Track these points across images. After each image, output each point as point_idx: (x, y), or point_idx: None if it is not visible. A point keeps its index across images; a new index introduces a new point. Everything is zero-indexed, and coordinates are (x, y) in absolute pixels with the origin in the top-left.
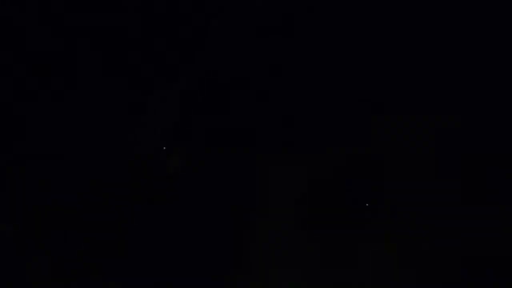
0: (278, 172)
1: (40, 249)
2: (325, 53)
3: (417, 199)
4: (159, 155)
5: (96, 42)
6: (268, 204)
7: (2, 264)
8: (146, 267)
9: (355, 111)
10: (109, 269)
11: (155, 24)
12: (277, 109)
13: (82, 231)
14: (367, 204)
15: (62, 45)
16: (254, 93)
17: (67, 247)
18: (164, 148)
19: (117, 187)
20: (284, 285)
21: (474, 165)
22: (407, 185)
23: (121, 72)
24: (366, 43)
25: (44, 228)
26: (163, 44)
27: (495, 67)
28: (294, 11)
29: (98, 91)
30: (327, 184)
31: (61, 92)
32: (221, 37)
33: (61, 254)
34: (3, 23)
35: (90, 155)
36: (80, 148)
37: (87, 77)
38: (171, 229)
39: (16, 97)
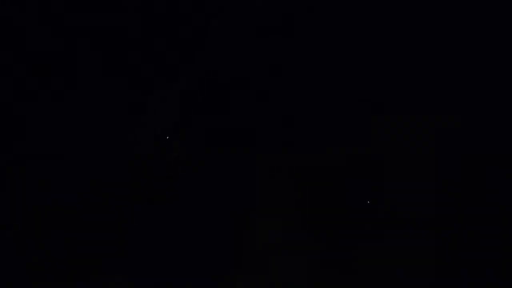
0: (278, 172)
1: (40, 249)
2: (325, 53)
3: (417, 199)
4: (160, 152)
5: (96, 42)
6: (268, 204)
7: (2, 264)
8: (146, 267)
9: (355, 111)
10: (109, 269)
11: (155, 24)
12: (277, 109)
13: (82, 231)
14: (368, 202)
15: (62, 45)
16: (254, 93)
17: (67, 247)
18: (168, 137)
19: (117, 187)
20: (284, 285)
21: (474, 165)
22: (407, 185)
23: (121, 72)
24: (366, 43)
25: (44, 228)
26: (163, 44)
27: (495, 67)
28: (294, 11)
29: (98, 91)
30: (327, 184)
31: (61, 92)
32: (221, 37)
33: (61, 254)
34: (3, 23)
35: (90, 155)
36: (80, 148)
37: (87, 77)
38: (171, 229)
39: (16, 97)
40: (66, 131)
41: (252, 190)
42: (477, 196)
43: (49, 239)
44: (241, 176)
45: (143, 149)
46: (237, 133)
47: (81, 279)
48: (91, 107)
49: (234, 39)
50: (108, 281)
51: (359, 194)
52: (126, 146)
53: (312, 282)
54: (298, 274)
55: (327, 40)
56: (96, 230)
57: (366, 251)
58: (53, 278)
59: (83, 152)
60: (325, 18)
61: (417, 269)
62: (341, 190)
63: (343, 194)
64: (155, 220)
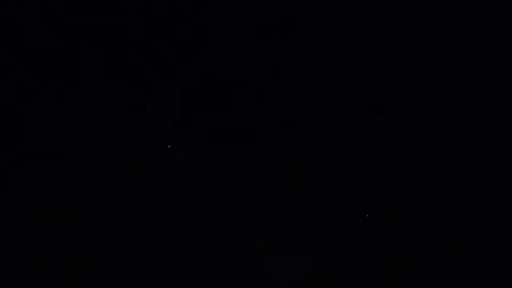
0: (278, 172)
1: (40, 249)
2: (325, 53)
3: (417, 199)
4: (162, 154)
5: (96, 42)
6: (268, 204)
7: (2, 264)
8: (146, 267)
9: (355, 111)
10: (109, 269)
11: (155, 24)
12: (277, 109)
13: (82, 231)
14: (367, 215)
15: (62, 45)
16: (254, 93)
17: (67, 247)
18: (169, 146)
19: (117, 187)
20: (284, 285)
21: (474, 165)
22: (407, 185)
23: (121, 72)
24: (366, 43)
25: (44, 228)
26: (163, 44)
27: (495, 67)
28: (294, 11)
29: (98, 91)
30: (327, 184)
31: (61, 92)
32: (221, 37)
33: (61, 254)
34: (3, 23)
35: (90, 155)
36: (80, 148)
37: (87, 77)
38: (171, 229)
39: (16, 97)
40: (66, 131)
41: (252, 190)
42: (477, 196)
43: (49, 239)
44: (241, 176)
45: (143, 149)
46: (237, 133)
47: (81, 279)
48: (91, 107)
49: (234, 39)
50: (108, 281)
51: (359, 194)
52: (126, 146)
53: (312, 282)
54: (298, 274)
55: (327, 40)
56: (96, 230)
57: (366, 251)
58: (53, 278)
59: (83, 152)
60: (325, 18)
61: (417, 269)
62: (341, 190)
63: (343, 194)
64: (155, 220)
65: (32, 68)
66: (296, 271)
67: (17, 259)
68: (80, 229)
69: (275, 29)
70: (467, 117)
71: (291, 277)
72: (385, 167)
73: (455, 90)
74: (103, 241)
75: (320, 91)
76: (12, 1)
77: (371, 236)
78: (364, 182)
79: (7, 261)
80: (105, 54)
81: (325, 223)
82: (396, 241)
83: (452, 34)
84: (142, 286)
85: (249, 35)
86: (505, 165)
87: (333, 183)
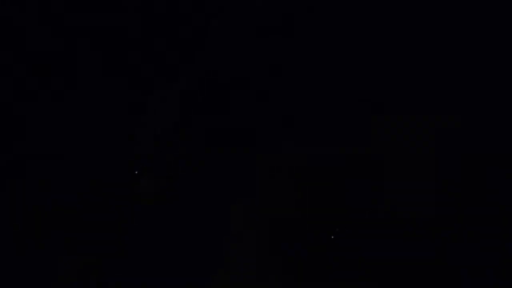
0: (278, 172)
1: (40, 249)
2: (325, 53)
3: (417, 199)
4: (160, 152)
5: (96, 42)
6: (268, 204)
7: (2, 264)
8: (146, 267)
9: (355, 111)
10: (109, 269)
11: (155, 24)
12: (277, 109)
13: (82, 231)
14: (337, 229)
15: (62, 45)
16: (254, 93)
17: (67, 247)
18: (136, 172)
19: (117, 187)
20: (284, 285)
21: (474, 165)
22: (407, 185)
23: (121, 72)
24: (366, 43)
25: (44, 228)
26: (163, 44)
27: (495, 67)
28: (294, 11)
29: (98, 91)
30: (327, 184)
31: (61, 92)
32: (221, 37)
33: (61, 254)
34: (3, 23)
35: (90, 155)
36: (80, 148)
37: (87, 77)
38: (171, 229)
39: (16, 97)
40: (66, 131)
41: (252, 190)
42: (477, 196)
43: (49, 239)
44: (241, 176)
45: (143, 149)
46: (237, 133)
47: (81, 279)
48: (91, 107)
49: (234, 39)
50: (108, 281)
51: (359, 194)
52: (126, 146)
53: (312, 282)
54: (298, 274)
55: (327, 40)
56: (96, 230)
57: (366, 251)
58: (53, 278)
59: (83, 152)
60: (325, 18)
61: (417, 269)
62: (341, 190)
63: (343, 194)
64: (155, 220)
65: (32, 68)
66: (296, 271)
67: (17, 259)
68: (80, 229)
69: (275, 29)
70: (467, 117)
71: (291, 277)
72: (385, 167)
73: (455, 90)
74: (103, 241)
75: (320, 91)
76: (12, 1)
77: (371, 236)
78: (364, 182)
79: (7, 261)
80: (105, 54)
81: (325, 223)
82: (396, 241)
83: (452, 34)
84: (142, 286)
85: (249, 35)
86: (505, 165)
87: (333, 183)
